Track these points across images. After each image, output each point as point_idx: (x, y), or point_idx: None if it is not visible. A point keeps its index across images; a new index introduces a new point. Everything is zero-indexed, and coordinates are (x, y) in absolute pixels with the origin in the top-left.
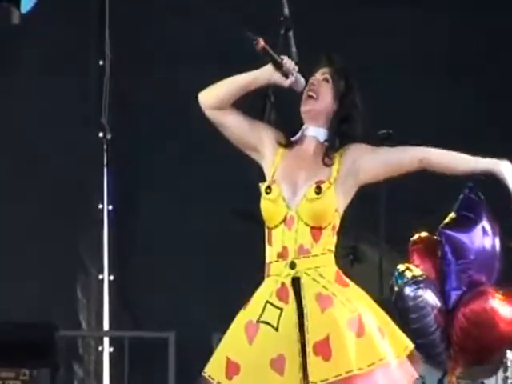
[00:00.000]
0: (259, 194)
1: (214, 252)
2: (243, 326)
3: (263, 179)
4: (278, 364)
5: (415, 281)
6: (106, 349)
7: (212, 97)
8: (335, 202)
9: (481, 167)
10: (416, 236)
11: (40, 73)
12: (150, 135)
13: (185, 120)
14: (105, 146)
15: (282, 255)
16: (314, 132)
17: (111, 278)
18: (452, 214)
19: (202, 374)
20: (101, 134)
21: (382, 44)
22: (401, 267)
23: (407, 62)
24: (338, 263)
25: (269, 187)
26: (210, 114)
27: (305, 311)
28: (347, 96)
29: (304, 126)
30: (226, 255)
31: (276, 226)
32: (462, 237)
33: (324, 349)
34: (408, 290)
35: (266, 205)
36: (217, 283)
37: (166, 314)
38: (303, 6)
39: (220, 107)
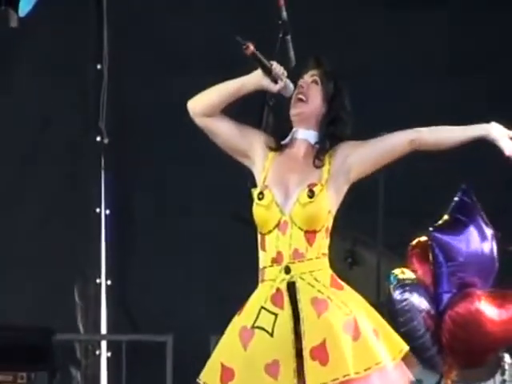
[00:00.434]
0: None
1: (212, 255)
2: (238, 331)
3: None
4: (272, 369)
5: (402, 284)
6: (104, 353)
7: (200, 104)
8: (328, 204)
9: (471, 135)
10: (415, 240)
11: (38, 76)
12: (149, 139)
13: (184, 124)
14: (103, 150)
15: (276, 260)
16: (304, 135)
17: (109, 282)
18: (445, 217)
19: (198, 381)
20: (98, 138)
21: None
22: (396, 271)
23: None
24: (335, 266)
25: (261, 193)
26: (199, 121)
27: (301, 316)
28: (336, 98)
29: (294, 129)
30: (225, 258)
31: (269, 232)
32: (452, 239)
33: (321, 353)
34: (395, 294)
35: (259, 211)
36: (215, 287)
37: (164, 317)
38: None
39: (209, 114)
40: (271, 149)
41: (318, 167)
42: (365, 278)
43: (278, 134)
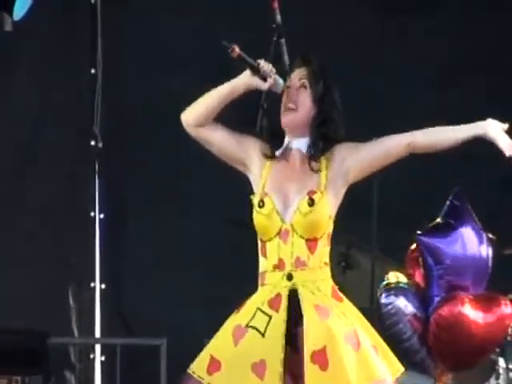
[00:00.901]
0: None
1: (206, 259)
2: (231, 328)
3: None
4: (259, 368)
5: (388, 288)
6: (98, 356)
7: (193, 114)
8: (328, 210)
9: (467, 135)
10: (414, 245)
11: (32, 80)
12: (143, 142)
13: (178, 129)
14: (96, 155)
15: (278, 266)
16: (298, 144)
17: (103, 286)
18: (436, 220)
19: (187, 370)
20: (93, 143)
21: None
22: (390, 275)
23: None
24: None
25: (261, 201)
26: (193, 131)
27: (304, 319)
28: (326, 98)
29: (287, 140)
30: (221, 261)
31: (270, 239)
32: (439, 243)
33: (321, 358)
34: (382, 297)
35: (260, 219)
36: (210, 290)
37: (158, 321)
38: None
39: (202, 123)
40: (267, 157)
41: (316, 171)
42: (359, 282)
43: (274, 138)
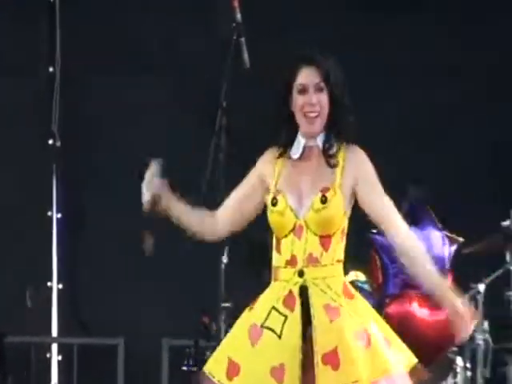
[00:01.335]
0: (215, 202)
1: (164, 258)
2: (247, 328)
3: (216, 186)
4: (278, 373)
5: None
6: (55, 356)
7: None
8: (342, 206)
9: (440, 297)
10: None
11: None
12: (102, 142)
13: (138, 125)
14: (55, 154)
15: (290, 263)
16: (314, 142)
17: (60, 285)
18: None
19: (203, 370)
20: (51, 141)
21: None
22: (350, 274)
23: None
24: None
25: (274, 198)
26: (225, 233)
27: (313, 322)
28: (340, 95)
29: (303, 141)
30: (175, 263)
31: (285, 236)
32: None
33: (332, 359)
34: None
35: (274, 217)
36: (167, 290)
37: (115, 321)
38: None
39: (217, 230)
40: (277, 157)
41: (332, 166)
42: None
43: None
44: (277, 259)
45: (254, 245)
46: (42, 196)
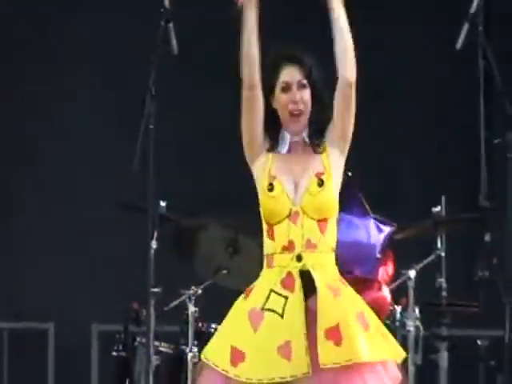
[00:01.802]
0: (142, 187)
1: (95, 244)
2: (246, 313)
3: (144, 171)
4: (285, 350)
5: None
6: None
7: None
8: (336, 190)
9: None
10: None
11: None
12: (33, 133)
13: (62, 116)
14: None
15: (287, 248)
16: (299, 137)
17: None
18: None
19: (204, 360)
20: None
21: None
22: None
23: None
24: (217, 255)
25: (270, 184)
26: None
27: (318, 294)
28: (321, 90)
29: (288, 136)
30: (109, 247)
31: (279, 222)
32: None
33: (335, 335)
34: None
35: (269, 202)
36: (98, 275)
37: (46, 305)
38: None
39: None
40: (269, 150)
41: (318, 153)
42: (247, 267)
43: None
44: (270, 246)
45: (180, 229)
46: None
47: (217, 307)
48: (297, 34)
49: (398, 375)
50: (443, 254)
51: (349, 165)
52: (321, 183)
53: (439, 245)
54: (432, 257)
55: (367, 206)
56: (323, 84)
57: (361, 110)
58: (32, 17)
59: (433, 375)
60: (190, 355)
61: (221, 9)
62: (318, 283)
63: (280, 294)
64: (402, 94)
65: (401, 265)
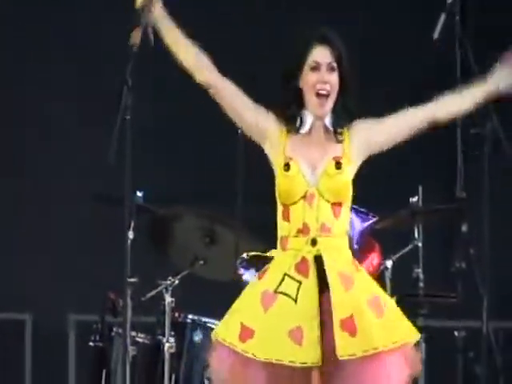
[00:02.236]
0: (118, 178)
1: (72, 234)
2: (259, 294)
3: (121, 162)
4: (296, 335)
5: (240, 261)
6: None
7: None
8: (351, 177)
9: (481, 95)
10: None
11: None
12: (4, 121)
13: (42, 103)
14: None
15: (302, 231)
16: (321, 120)
17: None
18: None
19: (212, 337)
20: None
21: None
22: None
23: None
24: (193, 244)
25: (287, 164)
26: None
27: (330, 288)
28: (349, 78)
29: (310, 118)
30: (85, 237)
31: (294, 203)
32: None
33: (350, 326)
34: (238, 270)
35: (285, 182)
36: (74, 266)
37: (23, 296)
38: None
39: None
40: (287, 129)
41: (339, 142)
42: (223, 256)
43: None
44: (285, 228)
45: (156, 220)
46: None
47: (193, 298)
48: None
49: (416, 356)
50: (420, 245)
51: None
52: (339, 166)
53: (416, 235)
54: (409, 247)
55: None
56: (352, 71)
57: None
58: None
59: None
60: (166, 345)
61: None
62: (330, 276)
63: (294, 279)
64: (378, 83)
65: None
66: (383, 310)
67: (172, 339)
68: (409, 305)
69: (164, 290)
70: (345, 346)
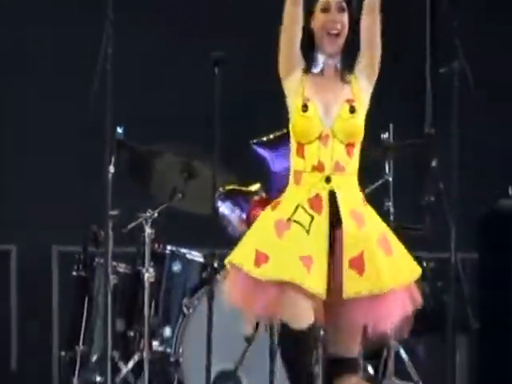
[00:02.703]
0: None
1: (53, 168)
2: (272, 223)
3: (102, 97)
4: (307, 261)
5: (219, 194)
6: None
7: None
8: (364, 117)
9: None
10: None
11: None
12: None
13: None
14: None
15: (317, 168)
16: (333, 61)
17: None
18: (273, 135)
19: (230, 262)
20: None
21: None
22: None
23: None
24: (172, 179)
25: (305, 105)
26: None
27: (343, 225)
28: (356, 20)
29: (322, 58)
30: (62, 172)
31: (310, 142)
32: (265, 154)
33: (358, 264)
34: (217, 203)
35: (303, 122)
36: (57, 198)
37: (8, 228)
38: None
39: None
40: (303, 70)
41: (348, 83)
42: (201, 191)
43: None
44: (299, 164)
45: (136, 155)
46: None
47: (172, 229)
48: None
49: (417, 294)
50: (391, 179)
51: None
52: (352, 110)
53: (387, 170)
54: (380, 182)
55: None
56: (359, 13)
57: None
58: None
59: None
60: (146, 275)
61: None
62: (343, 213)
63: (307, 212)
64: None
65: None
66: (391, 247)
67: (151, 269)
68: None
69: (144, 222)
70: (351, 285)
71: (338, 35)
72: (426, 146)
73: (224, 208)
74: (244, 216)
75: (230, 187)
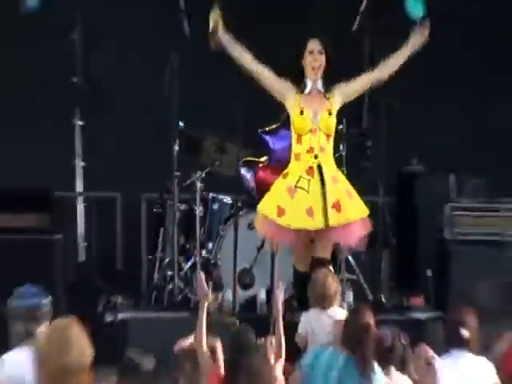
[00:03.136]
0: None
1: (144, 149)
2: (285, 188)
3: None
4: (310, 212)
5: (240, 163)
6: None
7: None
8: (335, 120)
9: (412, 49)
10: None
11: None
12: None
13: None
14: None
15: (309, 151)
16: (315, 85)
17: None
18: (275, 125)
19: (258, 211)
20: None
21: None
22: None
23: None
24: (210, 155)
25: (302, 111)
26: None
27: (326, 185)
28: (329, 56)
29: (310, 82)
30: (150, 153)
31: (305, 134)
32: (268, 138)
33: (337, 206)
34: (241, 170)
35: (301, 121)
36: (145, 166)
37: (115, 179)
38: None
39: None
40: (298, 91)
41: (328, 99)
42: (229, 161)
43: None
44: (298, 148)
45: (190, 140)
46: None
47: (213, 183)
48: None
49: (368, 223)
50: (344, 154)
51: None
52: (330, 114)
53: (341, 148)
54: (337, 155)
55: None
56: (332, 55)
57: None
58: None
59: None
60: (197, 211)
61: None
62: (326, 177)
63: (305, 178)
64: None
65: None
66: (352, 195)
67: (200, 207)
68: None
69: (196, 180)
70: (332, 218)
71: (318, 68)
72: (362, 133)
73: (243, 171)
74: (254, 176)
75: (247, 159)
